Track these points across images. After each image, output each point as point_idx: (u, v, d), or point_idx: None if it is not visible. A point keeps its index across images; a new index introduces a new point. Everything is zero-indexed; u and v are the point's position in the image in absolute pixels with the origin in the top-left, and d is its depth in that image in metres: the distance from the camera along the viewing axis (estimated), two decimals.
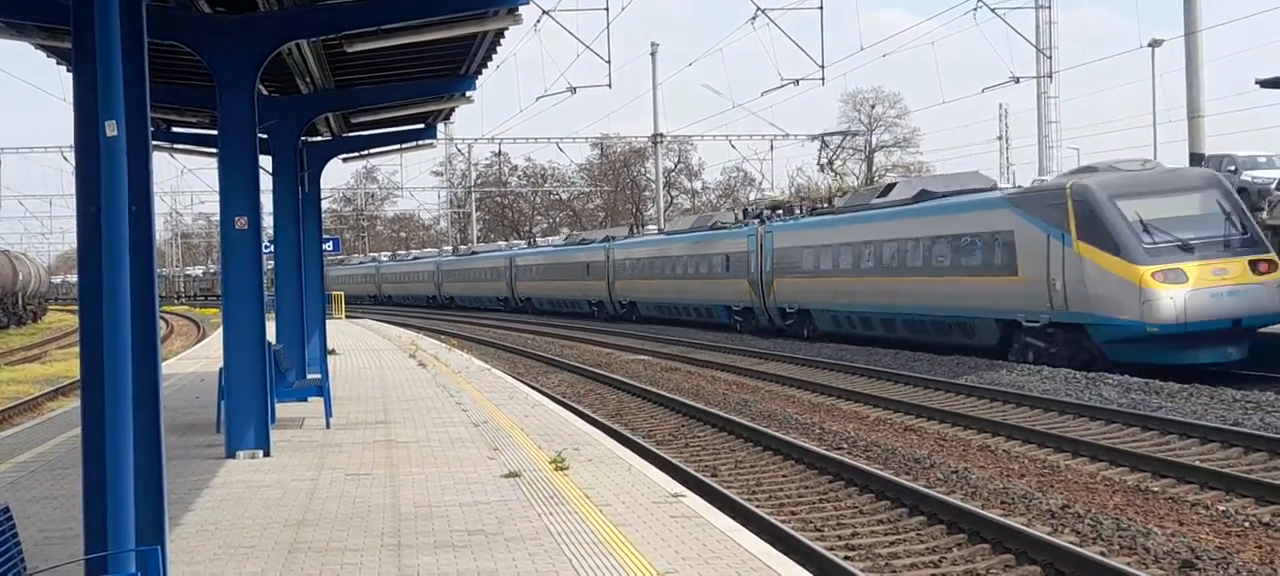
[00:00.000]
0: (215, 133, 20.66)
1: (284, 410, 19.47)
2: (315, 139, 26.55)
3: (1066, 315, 27.13)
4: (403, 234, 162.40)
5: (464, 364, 30.14)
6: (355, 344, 39.73)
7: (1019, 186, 32.52)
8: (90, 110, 7.55)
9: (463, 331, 56.10)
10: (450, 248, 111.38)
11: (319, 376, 21.50)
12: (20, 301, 77.23)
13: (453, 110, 26.06)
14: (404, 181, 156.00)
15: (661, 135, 76.92)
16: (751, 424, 21.05)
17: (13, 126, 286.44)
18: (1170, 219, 25.89)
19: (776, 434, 19.74)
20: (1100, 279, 26.07)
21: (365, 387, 24.32)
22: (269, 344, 15.79)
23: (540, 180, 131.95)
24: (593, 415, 23.20)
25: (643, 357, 37.71)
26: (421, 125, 27.21)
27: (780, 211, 45.53)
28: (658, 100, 74.28)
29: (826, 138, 61.54)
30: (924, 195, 34.42)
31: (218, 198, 15.51)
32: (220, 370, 16.47)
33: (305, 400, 20.20)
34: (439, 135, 31.42)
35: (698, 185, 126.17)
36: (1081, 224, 26.56)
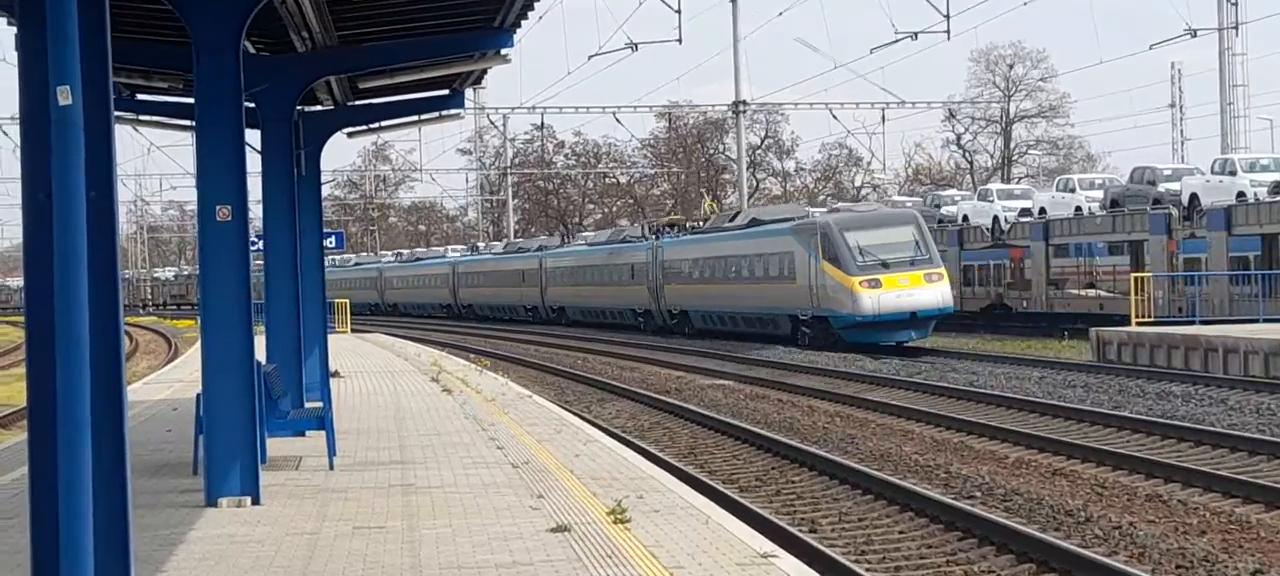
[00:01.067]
0: (190, 101, 20.74)
1: (277, 446, 19.56)
2: (314, 109, 26.68)
3: (818, 310, 48.15)
4: (422, 226, 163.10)
5: (499, 389, 30.23)
6: (363, 364, 39.93)
7: (801, 218, 52.99)
8: (38, 72, 7.58)
9: (496, 349, 56.25)
10: (481, 243, 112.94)
11: (319, 404, 21.64)
12: None
13: (484, 72, 26.11)
14: (423, 161, 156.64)
15: (744, 103, 76.96)
16: (859, 466, 20.97)
17: None
18: (877, 245, 46.55)
19: (891, 478, 19.66)
20: (833, 286, 46.74)
21: (376, 418, 24.43)
22: (258, 364, 15.86)
23: (593, 159, 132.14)
24: (660, 454, 23.21)
25: (723, 382, 37.75)
26: (445, 91, 27.29)
27: (674, 229, 66.70)
28: (740, 59, 74.31)
29: (953, 107, 65.64)
30: (754, 222, 56.13)
31: (194, 182, 15.60)
32: (197, 396, 16.55)
33: (303, 434, 20.27)
34: (467, 104, 31.56)
35: (790, 165, 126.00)
36: (824, 248, 47.18)
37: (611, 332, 63.88)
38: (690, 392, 35.10)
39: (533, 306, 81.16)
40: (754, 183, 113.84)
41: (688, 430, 27.48)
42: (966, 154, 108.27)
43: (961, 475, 20.55)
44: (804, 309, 49.12)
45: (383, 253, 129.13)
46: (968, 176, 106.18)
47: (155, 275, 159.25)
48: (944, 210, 67.18)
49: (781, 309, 51.07)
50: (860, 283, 45.86)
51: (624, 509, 14.08)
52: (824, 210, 55.32)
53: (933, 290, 46.12)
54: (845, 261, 46.55)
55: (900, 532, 16.88)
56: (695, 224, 66.74)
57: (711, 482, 20.13)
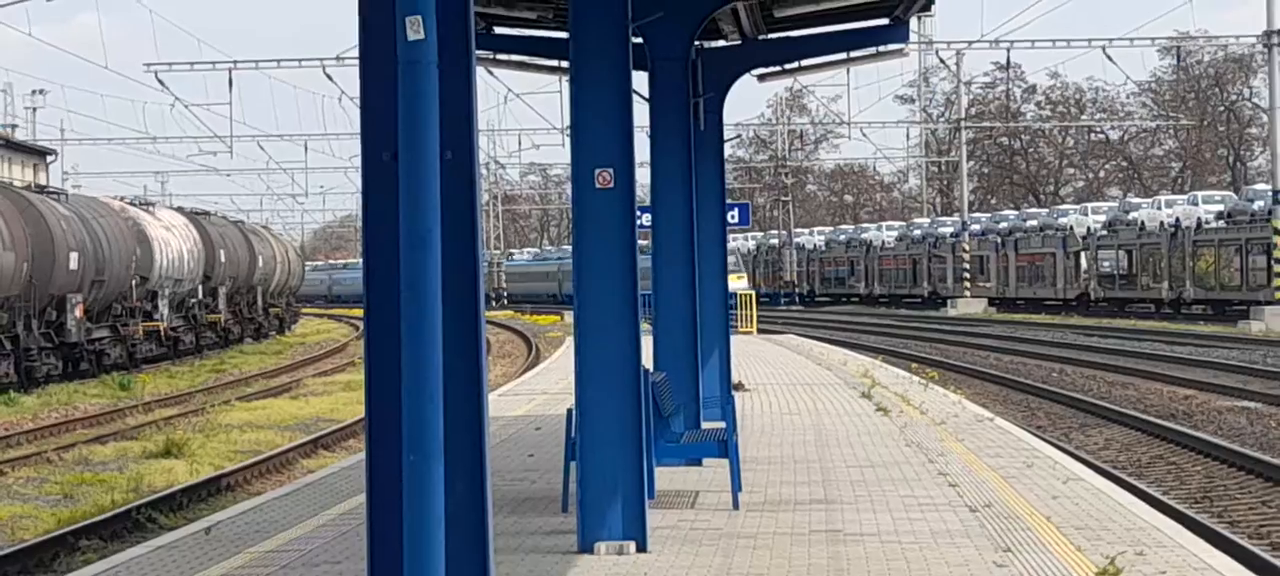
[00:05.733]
0: (561, 34, 21.10)
1: (667, 477, 19.79)
2: (717, 44, 26.91)
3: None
4: (847, 196, 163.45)
5: (950, 409, 30.12)
6: (771, 375, 40.20)
7: (747, 252, 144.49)
8: (381, 1, 7.72)
9: (946, 357, 56.08)
10: (927, 219, 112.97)
11: (721, 425, 21.75)
12: (260, 301, 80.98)
13: None
14: (852, 113, 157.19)
15: None
16: None
17: (250, 28, 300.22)
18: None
19: None
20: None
21: (791, 444, 24.54)
22: (645, 372, 16.00)
23: (1074, 109, 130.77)
24: (1162, 497, 22.88)
25: (1248, 404, 36.94)
26: (883, 20, 27.26)
27: None
28: None
29: None
30: None
31: (564, 139, 15.83)
32: (568, 413, 16.82)
33: (699, 463, 20.47)
34: (911, 36, 31.35)
35: None
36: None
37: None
38: (1203, 417, 34.50)
39: (551, 295, 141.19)
40: None
41: (1201, 466, 27.06)
42: None
43: None
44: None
45: (916, 218, 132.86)
46: None
47: (512, 259, 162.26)
48: None
49: None
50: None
51: (1118, 568, 13.91)
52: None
53: (740, 282, 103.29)
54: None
55: None
56: None
57: (1234, 537, 19.78)
